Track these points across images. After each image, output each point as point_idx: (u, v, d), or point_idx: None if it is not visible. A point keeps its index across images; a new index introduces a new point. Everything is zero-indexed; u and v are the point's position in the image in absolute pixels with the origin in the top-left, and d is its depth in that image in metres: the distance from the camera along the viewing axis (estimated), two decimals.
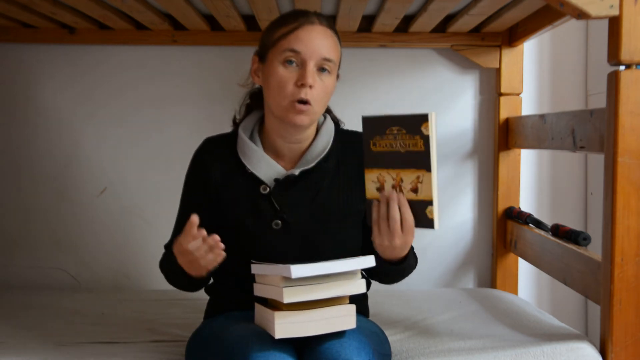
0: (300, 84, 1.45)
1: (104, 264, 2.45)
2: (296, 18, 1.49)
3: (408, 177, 1.33)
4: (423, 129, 1.31)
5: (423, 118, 1.31)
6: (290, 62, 1.46)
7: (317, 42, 1.47)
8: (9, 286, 2.41)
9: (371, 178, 1.39)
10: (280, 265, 1.30)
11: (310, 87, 1.45)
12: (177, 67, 2.42)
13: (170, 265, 1.49)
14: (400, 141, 1.34)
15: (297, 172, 1.52)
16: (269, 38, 1.51)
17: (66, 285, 2.45)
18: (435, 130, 1.30)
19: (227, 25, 2.29)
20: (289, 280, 1.28)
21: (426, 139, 1.30)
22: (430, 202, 1.31)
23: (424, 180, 1.31)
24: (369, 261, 1.33)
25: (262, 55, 1.53)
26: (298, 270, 1.25)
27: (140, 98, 2.42)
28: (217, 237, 1.36)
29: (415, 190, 1.33)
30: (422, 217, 1.33)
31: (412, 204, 1.34)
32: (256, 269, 1.42)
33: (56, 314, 2.05)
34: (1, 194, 2.44)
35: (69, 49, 2.40)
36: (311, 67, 1.46)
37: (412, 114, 1.33)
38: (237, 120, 1.65)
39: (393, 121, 1.35)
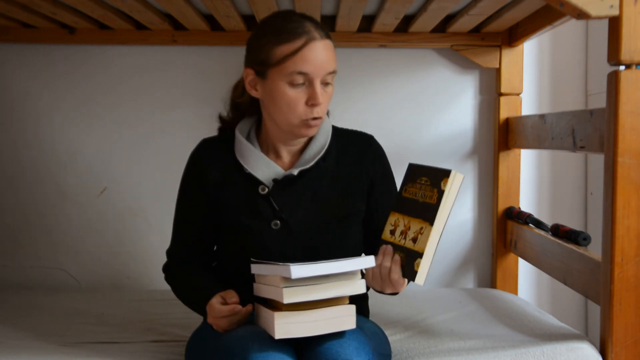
0: (312, 103, 1.45)
1: (104, 264, 2.45)
2: (297, 34, 1.44)
3: (415, 226, 1.36)
4: (442, 184, 1.33)
5: (445, 174, 1.34)
6: (298, 82, 1.44)
7: (323, 59, 1.44)
8: (9, 286, 2.41)
9: (390, 221, 1.42)
10: (280, 265, 1.29)
11: (322, 104, 1.46)
12: (177, 67, 2.42)
13: (191, 305, 1.57)
14: (423, 191, 1.37)
15: (295, 172, 1.52)
16: (268, 54, 1.46)
17: (66, 285, 2.45)
18: (454, 189, 1.33)
19: (227, 25, 2.28)
20: (289, 281, 1.28)
21: (441, 194, 1.33)
22: (421, 255, 1.32)
23: (425, 232, 1.33)
24: (369, 261, 1.33)
25: (260, 71, 1.49)
26: (298, 270, 1.25)
27: (140, 98, 2.42)
28: (249, 308, 1.42)
29: (414, 240, 1.35)
30: (409, 267, 1.35)
31: (407, 253, 1.36)
32: (256, 268, 1.42)
33: (56, 314, 2.05)
34: (1, 193, 2.44)
35: (69, 49, 2.40)
36: (318, 84, 1.45)
37: (438, 168, 1.37)
38: (225, 118, 1.64)
39: (424, 172, 1.39)
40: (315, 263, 1.28)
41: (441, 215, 1.32)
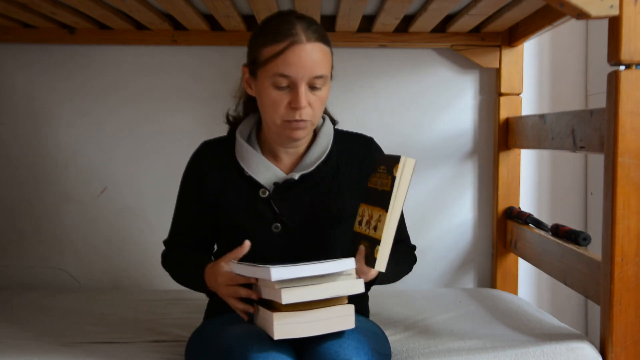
0: (293, 106, 1.44)
1: (104, 264, 2.46)
2: (284, 36, 1.43)
3: (375, 214, 1.38)
4: (394, 170, 1.35)
5: (395, 160, 1.35)
6: (281, 84, 1.44)
7: (307, 62, 1.42)
8: (9, 286, 2.41)
9: (360, 212, 1.44)
10: (261, 267, 1.29)
11: (304, 107, 1.45)
12: (177, 67, 2.42)
13: (190, 280, 1.55)
14: (381, 180, 1.39)
15: (296, 176, 1.52)
16: (257, 54, 1.47)
17: (66, 285, 2.45)
18: (406, 175, 1.34)
19: (227, 25, 2.29)
20: (288, 281, 1.28)
21: (393, 181, 1.34)
22: (379, 242, 1.34)
23: (381, 219, 1.35)
24: (349, 263, 1.32)
25: (252, 70, 1.50)
26: (278, 272, 1.25)
27: (139, 98, 2.42)
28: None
29: (375, 228, 1.36)
30: (370, 255, 1.36)
31: (369, 241, 1.37)
32: (238, 268, 1.40)
33: (56, 314, 2.05)
34: (1, 194, 2.44)
35: (69, 49, 2.40)
36: (303, 88, 1.43)
37: (392, 155, 1.38)
38: (231, 119, 1.63)
39: (382, 160, 1.41)
40: (296, 265, 1.28)
41: (395, 201, 1.34)
